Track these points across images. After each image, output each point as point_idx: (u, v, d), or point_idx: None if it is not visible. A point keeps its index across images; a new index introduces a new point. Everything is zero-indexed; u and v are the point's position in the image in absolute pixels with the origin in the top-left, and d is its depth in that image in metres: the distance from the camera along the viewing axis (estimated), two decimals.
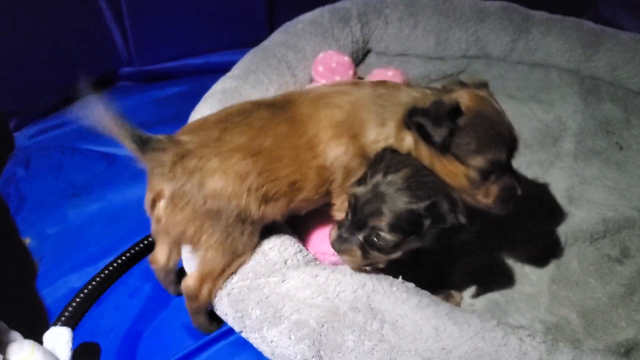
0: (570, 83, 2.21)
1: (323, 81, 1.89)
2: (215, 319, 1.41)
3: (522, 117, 2.03)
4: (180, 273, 1.43)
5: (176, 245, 1.38)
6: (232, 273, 1.30)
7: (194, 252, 1.27)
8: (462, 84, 1.26)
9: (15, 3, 1.86)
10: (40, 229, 1.69)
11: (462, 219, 1.15)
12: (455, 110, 1.15)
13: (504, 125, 1.19)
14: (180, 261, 1.43)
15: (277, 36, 2.05)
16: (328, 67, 1.93)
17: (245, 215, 1.22)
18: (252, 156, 1.20)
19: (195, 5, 2.22)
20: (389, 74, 1.91)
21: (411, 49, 2.23)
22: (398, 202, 1.14)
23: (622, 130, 2.05)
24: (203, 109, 1.67)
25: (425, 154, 1.21)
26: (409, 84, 1.45)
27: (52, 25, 2.00)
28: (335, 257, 1.33)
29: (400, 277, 1.29)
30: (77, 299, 1.46)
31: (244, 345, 1.35)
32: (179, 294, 1.45)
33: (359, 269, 1.28)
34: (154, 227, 1.31)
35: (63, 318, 1.41)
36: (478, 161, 1.16)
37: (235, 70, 1.87)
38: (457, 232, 1.20)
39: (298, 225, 1.46)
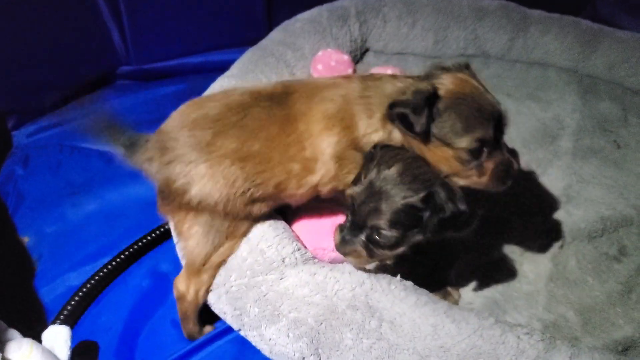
0: (568, 82, 2.21)
1: None
2: (206, 323, 1.43)
3: (520, 116, 2.03)
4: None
5: None
6: (217, 267, 1.31)
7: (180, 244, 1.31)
8: (444, 69, 1.26)
9: (13, 2, 1.86)
10: (38, 227, 1.70)
11: (462, 206, 1.15)
12: (434, 96, 1.16)
13: (486, 102, 1.19)
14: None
15: (275, 35, 2.05)
16: (327, 65, 1.93)
17: (231, 214, 1.26)
18: (240, 161, 1.23)
19: (193, 4, 2.22)
20: (388, 72, 1.91)
21: (409, 48, 2.23)
22: (395, 198, 1.14)
23: (620, 128, 2.05)
24: None
25: (414, 144, 1.22)
26: (395, 74, 1.45)
27: (51, 24, 2.00)
28: (334, 252, 1.33)
29: (399, 276, 1.29)
30: (76, 298, 1.46)
31: (243, 343, 1.35)
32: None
33: (365, 268, 1.29)
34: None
35: (62, 316, 1.41)
36: (465, 141, 1.16)
37: (234, 69, 1.87)
38: (460, 220, 1.19)
39: (296, 221, 1.46)
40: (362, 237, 1.20)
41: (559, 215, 1.71)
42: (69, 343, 1.27)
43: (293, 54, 1.96)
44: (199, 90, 1.78)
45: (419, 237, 1.20)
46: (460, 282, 1.50)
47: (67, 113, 2.12)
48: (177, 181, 1.21)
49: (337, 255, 1.33)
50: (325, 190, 1.34)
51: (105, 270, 1.53)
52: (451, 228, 1.21)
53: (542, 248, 1.62)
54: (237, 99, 1.30)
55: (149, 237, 1.61)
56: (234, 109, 1.27)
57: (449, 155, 1.18)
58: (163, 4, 2.18)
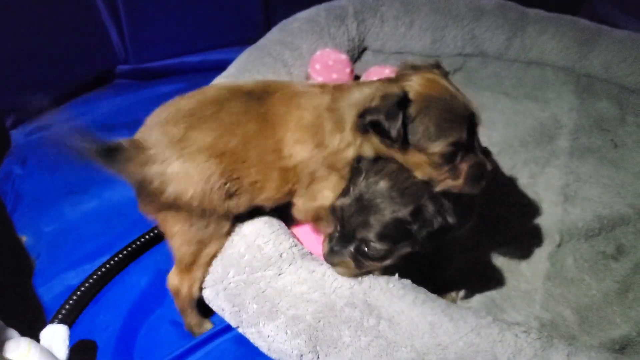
0: (566, 81, 2.22)
1: (320, 79, 1.89)
2: (206, 319, 1.43)
3: (517, 115, 2.04)
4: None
5: None
6: (207, 264, 1.32)
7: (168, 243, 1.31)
8: (415, 68, 1.24)
9: (12, 1, 1.86)
10: (37, 226, 1.69)
11: (451, 220, 1.15)
12: (405, 100, 1.13)
13: (458, 104, 1.15)
14: None
15: (273, 34, 2.05)
16: (325, 64, 1.93)
17: (209, 210, 1.23)
18: (216, 157, 1.20)
19: (192, 3, 2.22)
20: (386, 72, 1.91)
21: (407, 47, 2.24)
22: (384, 211, 1.14)
23: (617, 127, 2.06)
24: None
25: (390, 154, 1.19)
26: (363, 81, 1.43)
27: (49, 23, 2.00)
28: None
29: (397, 274, 1.29)
30: (74, 297, 1.46)
31: (241, 342, 1.35)
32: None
33: (356, 277, 1.29)
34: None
35: (60, 315, 1.41)
36: (438, 146, 1.13)
37: (232, 68, 1.87)
38: (449, 232, 1.19)
39: (292, 227, 1.46)
40: (351, 248, 1.20)
41: (556, 214, 1.71)
42: (67, 342, 1.27)
43: (291, 53, 1.96)
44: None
45: (407, 250, 1.20)
46: (458, 281, 1.50)
47: (66, 112, 2.12)
48: (154, 182, 1.19)
49: None
50: (299, 203, 1.34)
51: (103, 269, 1.53)
52: (439, 239, 1.20)
53: (540, 247, 1.63)
54: (213, 94, 1.28)
55: (147, 236, 1.61)
56: (209, 103, 1.25)
57: (423, 161, 1.16)
58: (161, 3, 2.18)
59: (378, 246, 1.17)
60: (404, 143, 1.14)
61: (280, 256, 1.30)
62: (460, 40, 2.25)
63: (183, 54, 2.36)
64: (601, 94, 2.19)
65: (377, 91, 1.18)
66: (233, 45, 2.28)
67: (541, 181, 1.82)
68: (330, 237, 1.25)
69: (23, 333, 1.22)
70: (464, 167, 1.16)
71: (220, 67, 1.92)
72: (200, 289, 1.35)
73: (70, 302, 1.45)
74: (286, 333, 1.22)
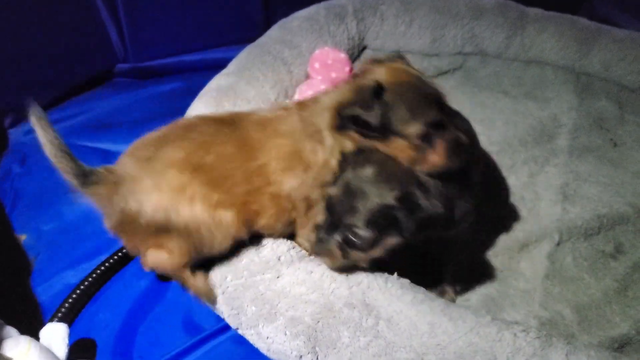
0: (565, 80, 2.21)
1: (319, 78, 1.89)
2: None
3: (517, 114, 2.04)
4: None
5: None
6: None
7: None
8: (377, 61, 1.26)
9: (11, 0, 1.86)
10: (36, 225, 1.69)
11: (438, 205, 1.15)
12: (379, 89, 1.15)
13: (426, 86, 1.19)
14: None
15: (272, 33, 2.05)
16: (324, 63, 1.93)
17: (194, 225, 1.18)
18: (191, 171, 1.16)
19: (191, 3, 2.22)
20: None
21: (407, 46, 2.23)
22: (370, 197, 1.14)
23: (617, 127, 2.06)
24: (198, 106, 1.68)
25: (369, 146, 1.21)
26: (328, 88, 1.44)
27: (48, 21, 2.00)
28: None
29: (396, 274, 1.29)
30: (73, 295, 1.46)
31: (241, 341, 1.35)
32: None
33: (340, 270, 1.28)
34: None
35: (59, 314, 1.41)
36: (415, 128, 1.15)
37: (231, 67, 1.87)
38: (437, 222, 1.19)
39: None
40: (337, 237, 1.18)
41: (555, 213, 1.71)
42: (66, 340, 1.27)
43: (290, 52, 1.96)
44: (196, 88, 1.79)
45: (395, 240, 1.18)
46: (457, 280, 1.50)
47: (65, 111, 2.12)
48: (132, 207, 1.14)
49: None
50: (303, 234, 1.35)
51: (102, 267, 1.53)
52: (429, 229, 1.20)
53: (539, 246, 1.63)
54: (184, 121, 1.29)
55: None
56: (179, 128, 1.25)
57: (403, 145, 1.17)
58: (161, 2, 2.18)
59: (364, 234, 1.15)
60: (384, 131, 1.16)
61: (279, 259, 1.30)
62: (459, 39, 2.25)
63: (182, 53, 2.36)
64: (601, 93, 2.18)
65: (348, 88, 1.21)
66: (232, 45, 2.27)
67: (540, 180, 1.82)
68: (317, 227, 1.24)
69: (22, 331, 1.22)
70: (441, 143, 1.18)
71: (219, 65, 1.92)
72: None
73: (70, 300, 1.45)
74: (285, 334, 1.22)
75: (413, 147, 1.17)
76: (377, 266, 1.29)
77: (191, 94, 1.78)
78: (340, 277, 1.27)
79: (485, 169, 1.73)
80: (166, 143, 1.20)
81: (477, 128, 1.50)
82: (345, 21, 2.12)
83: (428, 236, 1.24)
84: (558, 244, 1.64)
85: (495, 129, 1.96)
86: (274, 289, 1.27)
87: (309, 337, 1.20)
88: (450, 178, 1.23)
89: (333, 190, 1.19)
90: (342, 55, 1.97)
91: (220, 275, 1.31)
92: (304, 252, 1.36)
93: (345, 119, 1.18)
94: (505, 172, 1.82)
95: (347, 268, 1.28)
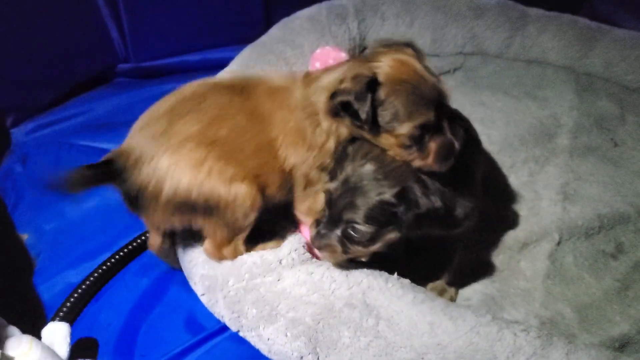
0: (566, 80, 2.22)
1: None
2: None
3: (517, 114, 2.04)
4: None
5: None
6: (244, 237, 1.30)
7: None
8: (387, 45, 1.24)
9: (12, 0, 1.86)
10: (37, 225, 1.70)
11: (437, 202, 1.15)
12: (374, 82, 1.14)
13: (426, 87, 1.16)
14: None
15: (274, 32, 2.05)
16: (325, 63, 1.92)
17: (213, 200, 1.19)
18: (206, 145, 1.17)
19: (192, 2, 2.22)
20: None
21: None
22: (370, 193, 1.14)
23: (617, 126, 2.06)
24: None
25: (360, 135, 1.21)
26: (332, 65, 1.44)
27: (50, 21, 2.00)
28: None
29: (396, 273, 1.29)
30: (75, 295, 1.46)
31: (242, 340, 1.36)
32: (181, 269, 1.47)
33: (340, 265, 1.29)
34: (144, 221, 1.33)
35: (61, 313, 1.41)
36: (406, 128, 1.15)
37: (233, 64, 1.88)
38: (435, 218, 1.19)
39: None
40: (338, 231, 1.20)
41: (556, 212, 1.71)
42: (68, 340, 1.27)
43: (292, 51, 1.96)
44: None
45: (394, 235, 1.19)
46: (458, 279, 1.50)
47: (66, 110, 2.13)
48: (149, 184, 1.15)
49: None
50: (302, 209, 1.36)
51: (104, 267, 1.53)
52: (428, 224, 1.21)
53: (539, 245, 1.63)
54: (193, 89, 1.27)
55: (147, 234, 1.61)
56: (189, 99, 1.24)
57: (392, 143, 1.17)
58: (162, 2, 2.18)
59: (364, 228, 1.16)
60: (373, 125, 1.16)
61: (280, 262, 1.30)
62: (460, 38, 2.25)
63: (183, 52, 2.36)
64: (601, 92, 2.19)
65: (348, 72, 1.19)
66: (233, 44, 2.27)
67: (541, 180, 1.82)
68: (317, 222, 1.25)
69: (24, 331, 1.22)
70: (432, 146, 1.17)
71: (220, 65, 1.92)
72: (245, 244, 1.33)
73: (72, 300, 1.45)
74: (286, 335, 1.22)
75: (402, 147, 1.17)
76: (379, 264, 1.29)
77: None
78: (341, 278, 1.27)
79: (486, 169, 1.74)
80: (179, 116, 1.19)
81: (478, 128, 1.50)
82: (346, 21, 2.12)
83: (429, 233, 1.24)
84: (558, 244, 1.64)
85: (495, 128, 1.96)
86: (274, 290, 1.27)
87: (309, 337, 1.21)
88: (453, 177, 1.24)
89: (333, 186, 1.19)
90: (343, 54, 1.97)
91: (222, 279, 1.31)
92: (306, 254, 1.36)
93: (337, 105, 1.17)
94: (505, 172, 1.82)
95: (347, 263, 1.28)
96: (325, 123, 1.25)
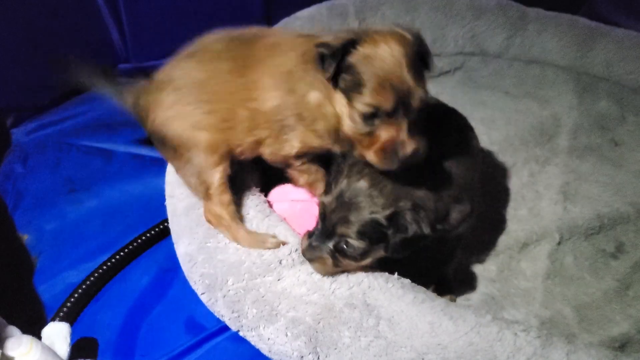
0: (566, 80, 2.22)
1: None
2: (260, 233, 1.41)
3: (517, 114, 2.04)
4: None
5: None
6: (222, 186, 1.34)
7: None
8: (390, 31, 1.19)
9: (13, 0, 1.86)
10: (38, 225, 1.70)
11: (426, 229, 1.14)
12: (351, 45, 1.12)
13: (395, 75, 1.11)
14: None
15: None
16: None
17: (178, 141, 1.31)
18: (184, 87, 1.31)
19: (192, 2, 2.22)
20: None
21: None
22: (363, 210, 1.14)
23: (617, 126, 2.06)
24: None
25: (326, 92, 1.20)
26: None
27: (50, 21, 2.00)
28: None
29: (396, 273, 1.29)
30: (75, 295, 1.46)
31: (242, 340, 1.35)
32: None
33: (329, 276, 1.28)
34: None
35: (61, 313, 1.42)
36: (359, 102, 1.12)
37: None
38: (422, 241, 1.18)
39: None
40: (330, 244, 1.20)
41: (556, 212, 1.71)
42: (68, 340, 1.27)
43: None
44: None
45: (381, 253, 1.20)
46: (458, 279, 1.51)
47: (66, 111, 2.13)
48: (143, 114, 1.34)
49: None
50: (266, 152, 1.36)
51: (104, 267, 1.53)
52: (413, 248, 1.19)
53: (540, 245, 1.63)
54: (206, 39, 1.38)
55: (148, 235, 1.62)
56: (199, 45, 1.37)
57: (345, 111, 1.16)
58: (162, 2, 2.18)
59: (357, 244, 1.16)
60: (335, 83, 1.15)
61: (280, 262, 1.30)
62: (460, 39, 2.25)
63: None
64: (601, 93, 2.19)
65: (343, 32, 1.18)
66: None
67: (541, 179, 1.82)
68: (309, 234, 1.25)
69: (25, 331, 1.22)
70: (380, 138, 1.14)
71: None
72: (233, 201, 1.36)
73: (72, 300, 1.45)
74: (286, 335, 1.22)
75: (352, 120, 1.15)
76: (379, 264, 1.30)
77: None
78: (341, 278, 1.27)
79: (485, 169, 1.74)
80: (181, 61, 1.36)
81: (478, 127, 1.50)
82: (347, 21, 2.12)
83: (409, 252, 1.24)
84: (559, 244, 1.64)
85: (496, 128, 1.96)
86: (274, 290, 1.27)
87: (310, 337, 1.21)
88: (450, 182, 1.24)
89: (327, 199, 1.20)
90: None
91: (221, 279, 1.31)
92: None
93: (316, 54, 1.15)
94: (506, 172, 1.82)
95: (335, 274, 1.28)
96: (311, 73, 1.23)
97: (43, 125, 2.06)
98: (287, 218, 1.43)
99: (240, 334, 1.31)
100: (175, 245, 1.44)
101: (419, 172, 1.20)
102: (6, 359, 1.12)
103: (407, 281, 1.28)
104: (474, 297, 1.50)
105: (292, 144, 1.31)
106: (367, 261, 1.22)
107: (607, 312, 1.50)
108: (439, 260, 1.50)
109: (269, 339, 1.24)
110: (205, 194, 1.34)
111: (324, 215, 1.20)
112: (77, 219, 1.72)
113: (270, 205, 1.47)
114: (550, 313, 1.48)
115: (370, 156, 1.15)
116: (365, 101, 1.12)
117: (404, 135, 1.13)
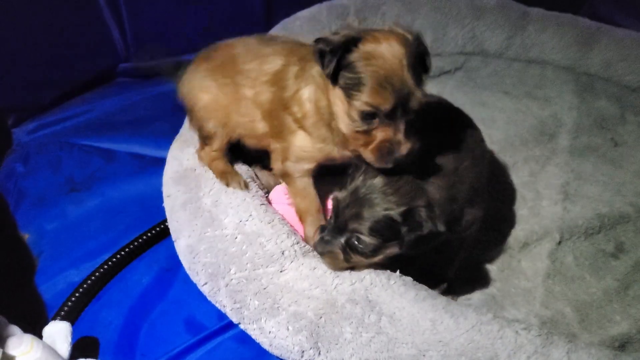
0: (566, 80, 2.22)
1: None
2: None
3: (518, 114, 2.05)
4: None
5: None
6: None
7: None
8: (390, 31, 1.19)
9: (14, 0, 1.87)
10: (39, 224, 1.70)
11: (441, 227, 1.15)
12: (352, 43, 1.12)
13: (396, 75, 1.10)
14: None
15: (275, 32, 2.05)
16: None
17: (189, 102, 1.54)
18: (204, 63, 1.55)
19: (193, 2, 2.23)
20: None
21: None
22: (377, 207, 1.15)
23: (617, 126, 2.07)
24: None
25: (324, 87, 1.21)
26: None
27: (51, 21, 2.00)
28: None
29: (398, 271, 1.30)
30: (76, 294, 1.46)
31: (243, 340, 1.36)
32: None
33: (339, 270, 1.29)
34: None
35: (62, 312, 1.41)
36: (358, 101, 1.12)
37: None
38: (436, 239, 1.20)
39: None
40: (342, 240, 1.21)
41: (556, 212, 1.72)
42: (69, 339, 1.27)
43: None
44: None
45: (395, 250, 1.20)
46: (459, 278, 1.51)
47: (67, 110, 2.13)
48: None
49: None
50: (266, 142, 1.44)
51: (105, 266, 1.53)
52: (427, 245, 1.21)
53: (540, 245, 1.64)
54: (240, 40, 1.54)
55: (149, 234, 1.62)
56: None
57: (345, 110, 1.16)
58: (163, 2, 2.19)
59: (368, 240, 1.17)
60: (333, 80, 1.15)
61: (282, 254, 1.31)
62: (460, 39, 2.26)
63: (184, 52, 2.36)
64: (601, 92, 2.19)
65: (342, 29, 1.18)
66: None
67: (541, 179, 1.82)
68: (322, 228, 1.26)
69: (26, 330, 1.22)
70: (377, 137, 1.15)
71: None
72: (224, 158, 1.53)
73: (73, 299, 1.45)
74: (288, 329, 1.23)
75: (350, 118, 1.15)
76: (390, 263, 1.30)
77: None
78: (344, 274, 1.27)
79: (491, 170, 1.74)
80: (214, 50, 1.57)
81: (478, 127, 1.51)
82: (347, 22, 2.13)
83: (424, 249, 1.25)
84: (559, 243, 1.64)
85: (496, 128, 1.96)
86: (277, 283, 1.27)
87: (311, 332, 1.21)
88: (463, 183, 1.25)
89: (341, 195, 1.20)
90: None
91: (223, 267, 1.32)
92: (307, 247, 1.37)
93: (315, 50, 1.15)
94: (506, 171, 1.83)
95: (345, 269, 1.29)
96: (308, 65, 1.27)
97: (44, 125, 2.07)
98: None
99: (242, 327, 1.31)
100: (175, 243, 1.44)
101: (434, 174, 1.22)
102: (7, 358, 1.12)
103: (408, 279, 1.28)
104: (474, 296, 1.51)
105: (293, 145, 1.34)
106: (378, 258, 1.22)
107: (607, 312, 1.50)
108: (440, 260, 1.50)
109: (270, 332, 1.25)
110: (201, 146, 1.54)
111: (337, 211, 1.21)
112: (78, 218, 1.72)
113: (270, 204, 1.48)
114: (550, 312, 1.48)
115: (367, 154, 1.16)
116: (364, 100, 1.12)
117: (400, 136, 1.13)
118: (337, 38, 1.13)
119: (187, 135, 1.62)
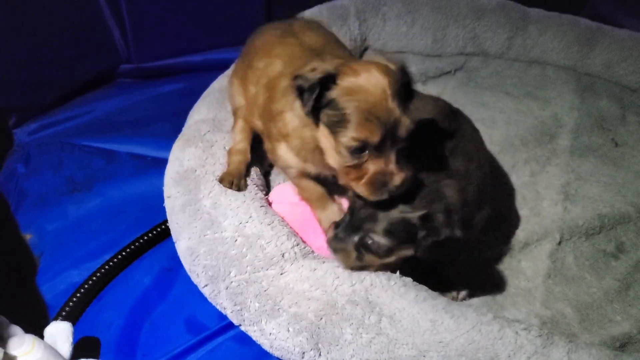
0: (567, 80, 2.22)
1: None
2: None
3: (518, 114, 2.05)
4: None
5: None
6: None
7: None
8: (380, 55, 1.20)
9: (15, 0, 1.87)
10: (40, 224, 1.70)
11: (458, 232, 1.15)
12: (330, 80, 1.10)
13: (381, 107, 1.08)
14: None
15: None
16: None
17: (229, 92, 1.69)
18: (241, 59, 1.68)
19: (194, 3, 2.23)
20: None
21: (409, 46, 2.24)
22: (393, 209, 1.15)
23: (618, 126, 2.07)
24: (201, 107, 1.69)
25: (305, 122, 1.21)
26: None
27: (52, 22, 2.01)
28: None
29: (398, 272, 1.30)
30: (78, 294, 1.46)
31: (243, 340, 1.36)
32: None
33: (350, 270, 1.29)
34: None
35: (64, 313, 1.42)
36: (345, 137, 1.11)
37: (235, 66, 1.87)
38: (453, 244, 1.20)
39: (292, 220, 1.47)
40: (355, 238, 1.21)
41: (557, 212, 1.71)
42: (70, 339, 1.27)
43: None
44: (198, 89, 1.80)
45: (409, 253, 1.20)
46: (459, 279, 1.51)
47: (68, 111, 2.13)
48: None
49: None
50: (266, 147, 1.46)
51: (106, 266, 1.54)
52: (441, 250, 1.21)
53: (540, 245, 1.64)
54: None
55: (150, 234, 1.62)
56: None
57: (330, 144, 1.15)
58: (164, 2, 2.19)
59: (382, 241, 1.17)
60: (315, 119, 1.15)
61: (282, 256, 1.31)
62: (461, 39, 2.26)
63: (185, 53, 2.36)
64: (602, 93, 2.19)
65: (323, 63, 1.16)
66: (235, 45, 2.27)
67: (542, 180, 1.82)
68: (336, 224, 1.26)
69: (27, 330, 1.22)
70: (368, 170, 1.13)
71: (222, 66, 1.93)
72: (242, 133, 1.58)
73: (74, 299, 1.45)
74: (288, 331, 1.23)
75: (339, 154, 1.14)
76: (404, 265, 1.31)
77: (194, 94, 1.79)
78: (344, 275, 1.27)
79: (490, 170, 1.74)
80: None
81: (479, 128, 1.51)
82: (347, 22, 2.13)
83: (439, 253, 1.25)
84: (559, 243, 1.64)
85: (496, 128, 1.96)
86: (277, 285, 1.27)
87: (311, 333, 1.21)
88: (473, 186, 1.26)
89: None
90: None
91: (224, 270, 1.32)
92: (308, 248, 1.37)
93: (294, 86, 1.14)
94: (506, 172, 1.83)
95: (357, 269, 1.29)
96: (290, 97, 1.24)
97: (45, 125, 2.07)
98: (286, 221, 1.44)
99: (242, 328, 1.32)
100: (175, 244, 1.44)
101: (447, 177, 1.22)
102: (8, 358, 1.12)
103: (408, 279, 1.29)
104: (474, 296, 1.50)
105: (277, 153, 1.36)
106: (392, 259, 1.22)
107: (607, 312, 1.50)
108: (440, 260, 1.50)
109: (270, 334, 1.25)
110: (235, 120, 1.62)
111: (352, 209, 1.21)
112: (79, 218, 1.72)
113: (270, 205, 1.48)
114: (551, 313, 1.49)
115: (360, 189, 1.15)
116: (351, 136, 1.10)
117: (392, 166, 1.12)
118: (313, 75, 1.11)
119: (189, 135, 1.61)
